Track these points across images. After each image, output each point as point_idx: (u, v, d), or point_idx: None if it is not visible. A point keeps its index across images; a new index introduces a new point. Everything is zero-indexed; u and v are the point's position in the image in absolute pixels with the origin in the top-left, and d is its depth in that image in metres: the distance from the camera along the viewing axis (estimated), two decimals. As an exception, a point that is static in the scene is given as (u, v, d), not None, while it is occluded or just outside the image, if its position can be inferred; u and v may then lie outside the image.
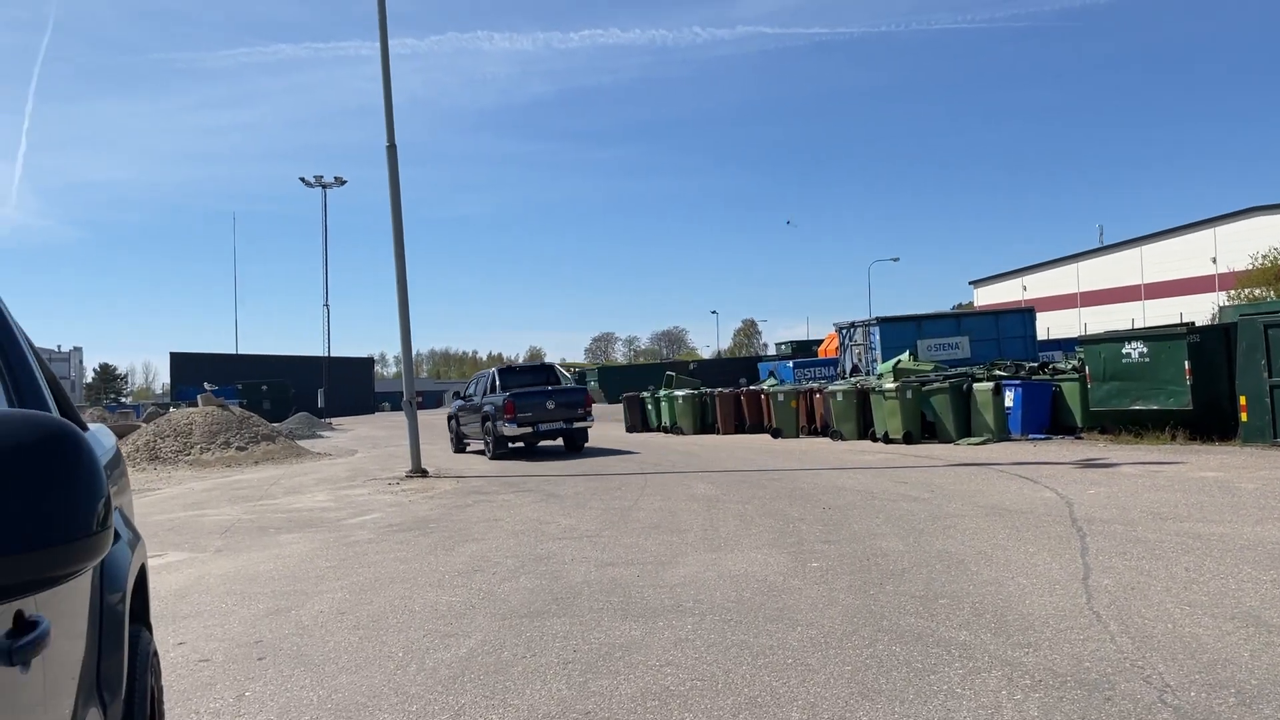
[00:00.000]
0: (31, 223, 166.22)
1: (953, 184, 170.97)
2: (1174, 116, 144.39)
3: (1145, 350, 15.72)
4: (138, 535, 2.98)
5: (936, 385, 18.73)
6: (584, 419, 20.08)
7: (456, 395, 25.43)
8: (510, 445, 20.09)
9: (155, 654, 2.94)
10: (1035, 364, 21.93)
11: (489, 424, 19.96)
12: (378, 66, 17.48)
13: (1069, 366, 19.24)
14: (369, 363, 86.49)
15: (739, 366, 56.82)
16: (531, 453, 20.52)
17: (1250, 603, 5.54)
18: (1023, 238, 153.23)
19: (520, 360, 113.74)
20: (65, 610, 1.88)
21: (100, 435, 3.13)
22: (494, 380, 20.80)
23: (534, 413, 19.35)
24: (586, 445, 20.92)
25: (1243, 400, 14.18)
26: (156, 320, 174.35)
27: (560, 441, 20.77)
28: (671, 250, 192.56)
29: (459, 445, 22.91)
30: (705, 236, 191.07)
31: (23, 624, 1.49)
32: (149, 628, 3.00)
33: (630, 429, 28.66)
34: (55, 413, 2.39)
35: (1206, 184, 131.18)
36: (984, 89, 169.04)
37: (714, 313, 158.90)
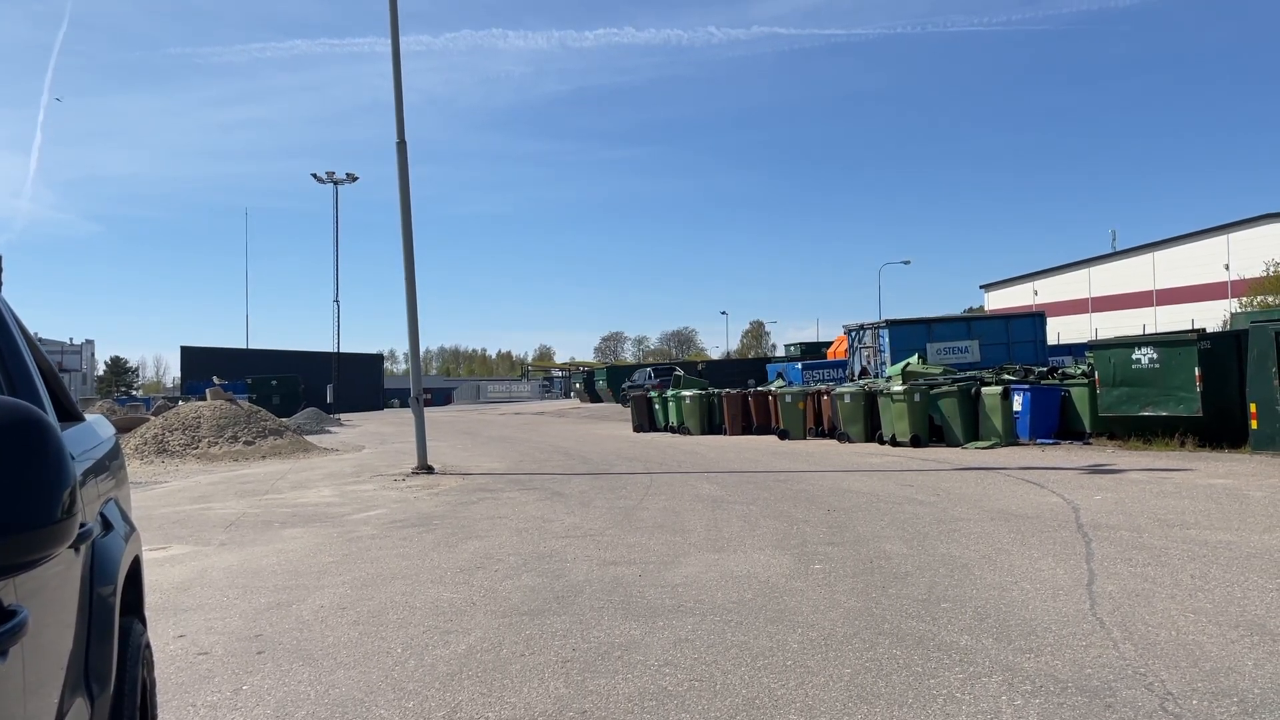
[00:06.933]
0: (46, 216, 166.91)
1: (965, 187, 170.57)
2: (1189, 122, 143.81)
3: (1156, 356, 15.63)
4: (133, 527, 2.98)
5: (945, 388, 18.67)
6: None
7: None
8: None
9: (148, 646, 2.93)
10: (1044, 368, 21.85)
11: None
12: (390, 63, 17.48)
13: (1078, 371, 19.17)
14: (378, 359, 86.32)
15: (747, 367, 56.59)
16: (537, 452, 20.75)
17: (1256, 611, 5.49)
18: (1035, 242, 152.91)
19: (529, 359, 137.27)
20: (52, 600, 1.87)
21: (98, 426, 3.13)
22: None
23: None
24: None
25: (1253, 408, 14.10)
26: (168, 314, 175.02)
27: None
28: (682, 250, 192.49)
29: None
30: (716, 237, 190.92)
31: (1, 613, 1.48)
32: (143, 620, 3.00)
33: (637, 429, 28.65)
34: (47, 402, 2.39)
35: (1220, 190, 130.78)
36: (999, 92, 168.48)
37: (723, 314, 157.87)
